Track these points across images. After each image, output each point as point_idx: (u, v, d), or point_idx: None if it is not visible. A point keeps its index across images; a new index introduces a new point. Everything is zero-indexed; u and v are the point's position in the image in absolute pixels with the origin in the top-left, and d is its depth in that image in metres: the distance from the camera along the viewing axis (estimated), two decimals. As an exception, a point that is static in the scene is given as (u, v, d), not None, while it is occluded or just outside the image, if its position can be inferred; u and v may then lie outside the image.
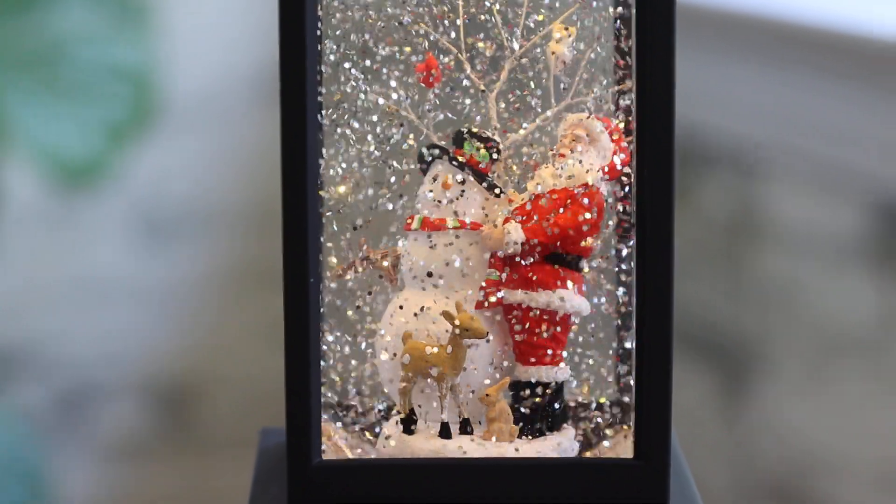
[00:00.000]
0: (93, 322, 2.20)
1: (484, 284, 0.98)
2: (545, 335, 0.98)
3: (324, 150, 1.00)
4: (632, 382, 0.96)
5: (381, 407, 1.05)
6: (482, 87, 0.99)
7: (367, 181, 1.01)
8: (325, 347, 1.02)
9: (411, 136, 1.00)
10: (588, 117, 0.99)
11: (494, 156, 0.99)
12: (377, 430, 1.04)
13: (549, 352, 0.98)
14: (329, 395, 1.04)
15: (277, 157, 0.93)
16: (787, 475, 1.86)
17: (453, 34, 0.99)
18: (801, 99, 1.82)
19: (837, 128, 1.79)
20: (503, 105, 1.00)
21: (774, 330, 1.88)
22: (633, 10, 0.93)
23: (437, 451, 0.96)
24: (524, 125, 1.00)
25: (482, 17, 0.99)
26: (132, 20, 1.98)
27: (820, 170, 1.81)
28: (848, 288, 1.78)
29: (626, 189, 1.00)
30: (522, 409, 0.99)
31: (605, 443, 1.03)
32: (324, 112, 0.98)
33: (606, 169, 0.99)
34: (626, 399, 1.05)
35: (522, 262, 0.98)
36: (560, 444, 0.98)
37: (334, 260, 1.02)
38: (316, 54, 0.93)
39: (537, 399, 0.99)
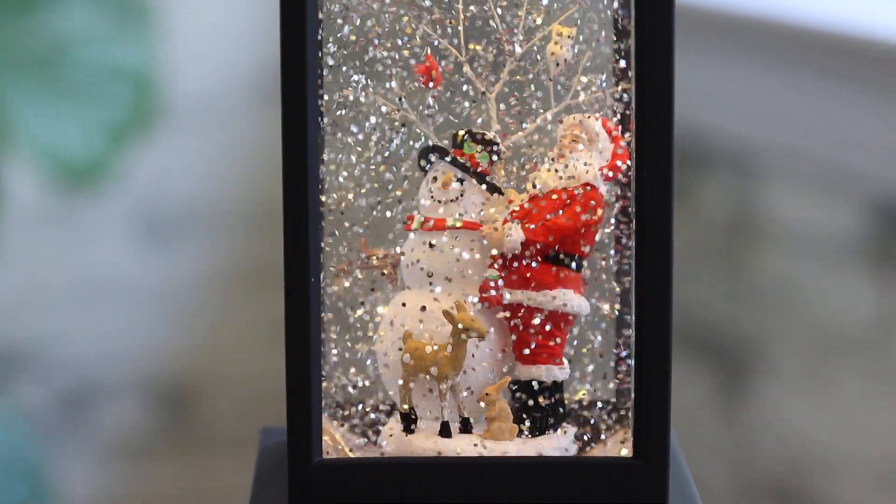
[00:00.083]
0: (94, 322, 2.20)
1: (483, 285, 0.98)
2: (544, 335, 0.98)
3: (326, 154, 1.00)
4: (631, 382, 0.96)
5: (381, 406, 1.06)
6: (483, 90, 0.99)
7: (370, 179, 1.01)
8: (325, 347, 1.02)
9: (411, 142, 1.00)
10: (587, 118, 0.99)
11: (495, 157, 1.00)
12: (378, 429, 1.04)
13: (549, 351, 0.99)
14: (330, 394, 1.04)
15: (278, 158, 0.93)
16: (786, 475, 1.86)
17: (455, 41, 0.99)
18: (800, 100, 1.83)
19: (836, 129, 1.79)
20: (503, 107, 1.00)
21: (774, 330, 1.88)
22: (633, 11, 0.93)
23: (437, 450, 0.96)
24: (524, 125, 1.00)
25: (479, 23, 0.99)
26: (134, 21, 1.98)
27: (819, 170, 1.82)
28: (847, 288, 1.78)
29: (626, 189, 1.00)
30: (522, 409, 0.99)
31: (605, 442, 1.03)
32: (324, 112, 0.99)
33: (609, 173, 0.99)
34: (626, 399, 1.05)
35: (522, 262, 0.98)
36: (559, 443, 0.98)
37: (335, 260, 1.02)
38: (316, 54, 0.93)
39: (537, 398, 0.99)
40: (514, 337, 0.99)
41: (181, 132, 2.17)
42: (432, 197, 0.99)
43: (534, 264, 0.98)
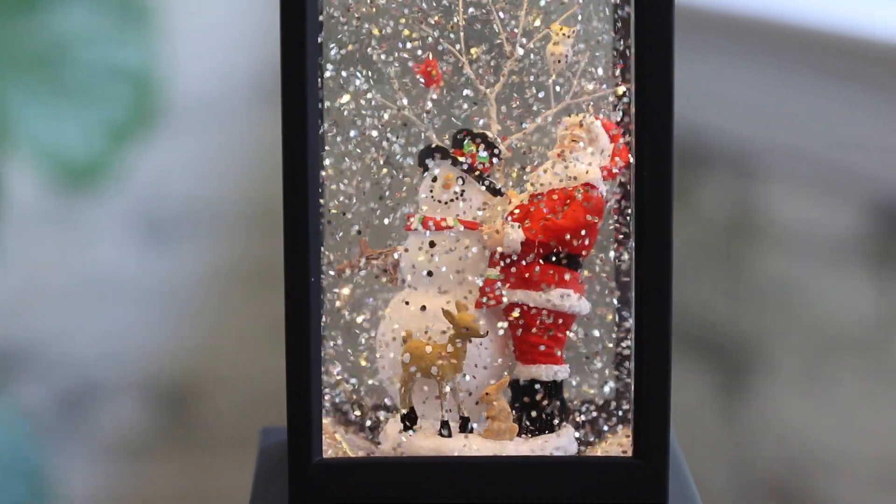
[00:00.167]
0: (94, 322, 2.20)
1: (483, 284, 0.99)
2: (544, 334, 0.99)
3: (326, 154, 1.00)
4: (631, 382, 0.97)
5: (381, 405, 1.06)
6: (484, 91, 1.00)
7: (370, 180, 1.01)
8: (325, 346, 1.02)
9: (409, 148, 1.00)
10: (587, 118, 0.99)
11: (495, 157, 1.00)
12: (378, 428, 1.04)
13: (549, 351, 0.99)
14: (330, 394, 1.05)
15: (278, 158, 0.93)
16: (786, 474, 1.86)
17: (457, 46, 0.99)
18: (800, 100, 1.83)
19: (836, 129, 1.79)
20: (504, 109, 1.00)
21: (773, 330, 1.88)
22: (633, 11, 0.93)
23: (438, 449, 0.97)
24: (524, 125, 1.00)
25: (478, 26, 0.99)
26: (134, 21, 1.98)
27: (819, 170, 1.82)
28: (847, 288, 1.78)
29: (626, 189, 1.00)
30: (522, 408, 0.99)
31: (605, 442, 1.03)
32: (324, 112, 0.99)
33: (609, 171, 0.99)
34: (626, 398, 1.05)
35: (522, 262, 0.98)
36: (559, 443, 0.98)
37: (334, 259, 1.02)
38: (317, 54, 0.93)
39: (537, 398, 0.99)
40: (513, 336, 0.99)
41: (181, 132, 2.17)
42: (432, 197, 0.99)
43: (534, 265, 0.98)
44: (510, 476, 0.95)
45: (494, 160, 1.00)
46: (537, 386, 0.99)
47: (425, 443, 0.97)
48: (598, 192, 0.98)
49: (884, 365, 1.75)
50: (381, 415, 1.05)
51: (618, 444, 1.01)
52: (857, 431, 1.78)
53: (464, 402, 0.98)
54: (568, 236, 0.97)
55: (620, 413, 1.05)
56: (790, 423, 1.86)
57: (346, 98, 0.99)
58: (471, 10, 0.99)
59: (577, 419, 1.04)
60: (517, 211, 0.99)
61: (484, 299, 0.98)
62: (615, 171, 0.99)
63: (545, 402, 0.99)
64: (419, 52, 0.99)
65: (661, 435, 0.94)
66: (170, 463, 2.25)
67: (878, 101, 1.73)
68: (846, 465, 1.79)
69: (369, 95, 0.99)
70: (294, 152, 0.93)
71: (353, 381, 1.05)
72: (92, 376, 2.22)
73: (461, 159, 0.99)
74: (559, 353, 0.99)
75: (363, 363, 1.04)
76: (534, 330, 0.98)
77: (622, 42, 1.00)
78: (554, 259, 0.98)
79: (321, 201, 0.97)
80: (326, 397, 1.03)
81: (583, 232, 0.98)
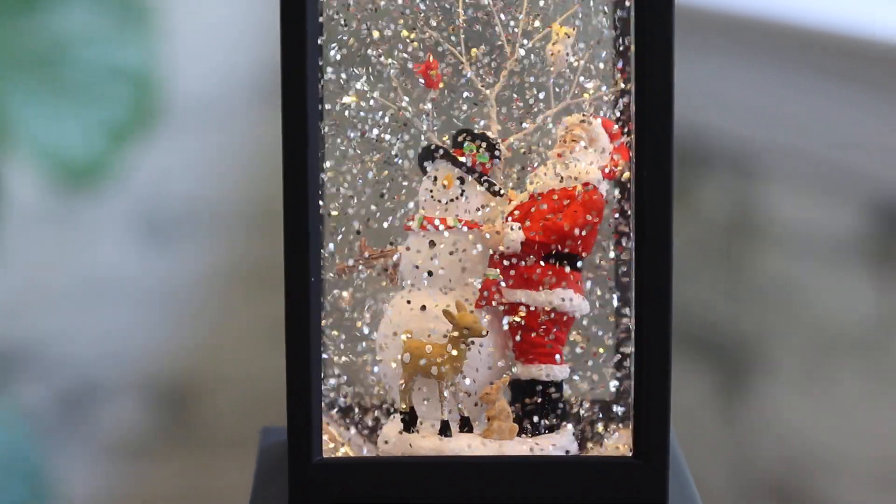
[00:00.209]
0: (94, 322, 2.21)
1: (483, 283, 0.99)
2: (544, 334, 0.99)
3: (326, 153, 1.01)
4: (631, 381, 0.97)
5: (381, 405, 1.06)
6: (484, 92, 1.00)
7: (369, 181, 1.01)
8: (325, 346, 1.02)
9: (409, 149, 1.00)
10: (587, 118, 0.99)
11: (496, 157, 1.00)
12: (378, 428, 1.04)
13: (549, 350, 0.99)
14: (331, 394, 1.05)
15: (278, 158, 0.93)
16: (786, 474, 1.86)
17: (456, 43, 0.99)
18: (800, 100, 1.83)
19: (836, 129, 1.79)
20: (504, 111, 1.00)
21: (773, 330, 1.88)
22: (633, 11, 0.93)
23: (437, 449, 0.97)
24: (524, 125, 1.01)
25: (478, 28, 0.99)
26: (134, 21, 1.98)
27: (819, 170, 1.82)
28: (847, 288, 1.78)
29: (625, 189, 1.01)
30: (522, 408, 0.99)
31: (605, 441, 1.03)
32: (324, 113, 0.99)
33: (607, 170, 0.99)
34: (626, 398, 1.05)
35: (522, 262, 0.98)
36: (559, 442, 0.99)
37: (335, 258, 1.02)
38: (317, 55, 0.93)
39: (537, 398, 0.99)
40: (513, 336, 0.99)
41: (181, 132, 2.18)
42: (432, 197, 1.00)
43: (535, 265, 0.98)
44: (510, 476, 0.95)
45: (494, 160, 1.00)
46: (540, 386, 0.99)
47: (425, 443, 0.97)
48: (598, 191, 0.98)
49: (884, 365, 1.75)
50: (382, 415, 1.05)
51: (618, 443, 1.01)
52: (857, 431, 1.78)
53: (464, 402, 0.98)
54: (567, 236, 0.97)
55: (621, 413, 1.05)
56: (790, 422, 1.86)
57: (346, 99, 0.99)
58: (470, 10, 0.99)
59: (577, 419, 1.04)
60: (517, 211, 0.99)
61: (485, 296, 0.98)
62: (615, 170, 0.99)
63: (545, 402, 0.99)
64: (420, 54, 0.99)
65: (661, 435, 0.94)
66: (170, 463, 2.25)
67: (878, 101, 1.73)
68: (846, 465, 1.79)
69: (369, 95, 0.99)
70: (294, 152, 0.93)
71: (353, 379, 1.05)
72: (92, 376, 2.22)
73: (461, 159, 0.99)
74: (559, 353, 0.99)
75: (363, 362, 1.04)
76: (534, 330, 0.99)
77: (622, 42, 1.00)
78: (554, 259, 0.98)
79: (321, 202, 0.97)
80: (326, 398, 1.03)
81: (583, 232, 0.98)
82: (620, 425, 1.04)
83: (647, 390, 0.94)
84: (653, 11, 0.92)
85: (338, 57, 0.99)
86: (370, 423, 1.05)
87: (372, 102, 0.99)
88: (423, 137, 1.00)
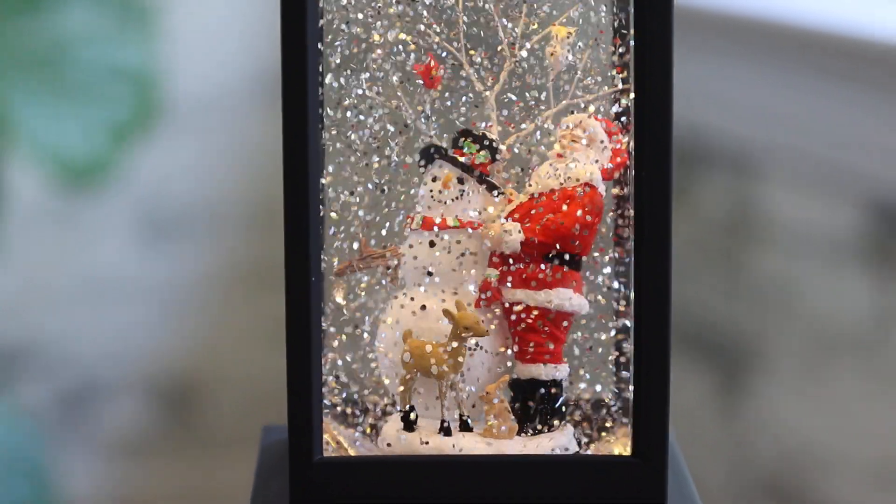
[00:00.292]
0: (95, 321, 2.21)
1: (482, 283, 0.99)
2: (544, 334, 0.99)
3: (327, 153, 1.01)
4: (630, 381, 0.97)
5: (381, 404, 1.06)
6: (485, 93, 1.00)
7: (369, 181, 1.01)
8: (326, 345, 1.03)
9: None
10: (586, 118, 0.99)
11: (496, 158, 1.00)
12: (378, 427, 1.04)
13: (548, 350, 0.99)
14: (331, 393, 1.05)
15: (279, 158, 0.93)
16: (784, 473, 1.87)
17: (456, 45, 0.99)
18: (799, 100, 1.83)
19: (835, 129, 1.80)
20: (505, 112, 1.00)
21: (772, 329, 1.89)
22: (632, 11, 0.94)
23: (438, 448, 0.97)
24: (522, 126, 1.01)
25: (476, 30, 0.99)
26: (135, 22, 1.98)
27: (818, 170, 1.82)
28: (845, 287, 1.78)
29: (624, 189, 1.01)
30: (522, 407, 0.99)
31: (604, 441, 1.03)
32: (325, 114, 0.99)
33: (608, 171, 0.99)
34: (625, 397, 1.05)
35: (522, 262, 0.99)
36: (559, 441, 0.99)
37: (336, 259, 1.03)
38: (317, 56, 0.93)
39: (536, 397, 0.99)
40: (513, 335, 1.00)
41: (182, 132, 2.18)
42: (432, 197, 1.00)
43: (533, 264, 0.98)
44: (510, 475, 0.95)
45: (494, 161, 1.00)
46: (540, 386, 0.99)
47: (425, 441, 0.97)
48: (598, 192, 0.99)
49: (882, 364, 1.75)
50: (382, 414, 1.05)
51: (617, 443, 1.02)
52: (855, 430, 1.78)
53: (464, 402, 0.98)
54: (567, 236, 0.98)
55: (620, 412, 1.05)
56: (788, 421, 1.86)
57: (346, 101, 1.00)
58: (470, 13, 0.99)
59: (577, 418, 1.04)
60: (517, 212, 0.99)
61: (484, 296, 0.99)
62: (613, 170, 1.00)
63: (545, 402, 1.00)
64: (422, 56, 0.99)
65: (660, 434, 0.94)
66: (171, 461, 2.25)
67: (877, 100, 1.73)
68: (844, 464, 1.79)
69: (370, 96, 1.00)
70: (295, 152, 0.93)
71: (354, 379, 1.05)
72: (93, 375, 2.23)
73: (461, 160, 0.99)
74: (559, 353, 1.00)
75: (364, 362, 1.04)
76: (533, 330, 0.99)
77: (622, 42, 1.00)
78: (553, 259, 0.99)
79: (321, 202, 0.97)
80: (327, 398, 1.04)
81: (583, 232, 0.98)
82: (620, 424, 1.04)
83: (647, 389, 0.94)
84: (652, 11, 0.92)
85: (337, 61, 0.99)
86: (371, 422, 1.06)
87: (372, 105, 1.00)
88: (420, 139, 1.00)
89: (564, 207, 0.98)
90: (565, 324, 1.00)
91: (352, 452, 1.01)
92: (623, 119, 1.00)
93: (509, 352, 1.00)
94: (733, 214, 1.92)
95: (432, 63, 0.99)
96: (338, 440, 1.02)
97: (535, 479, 0.95)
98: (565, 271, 0.99)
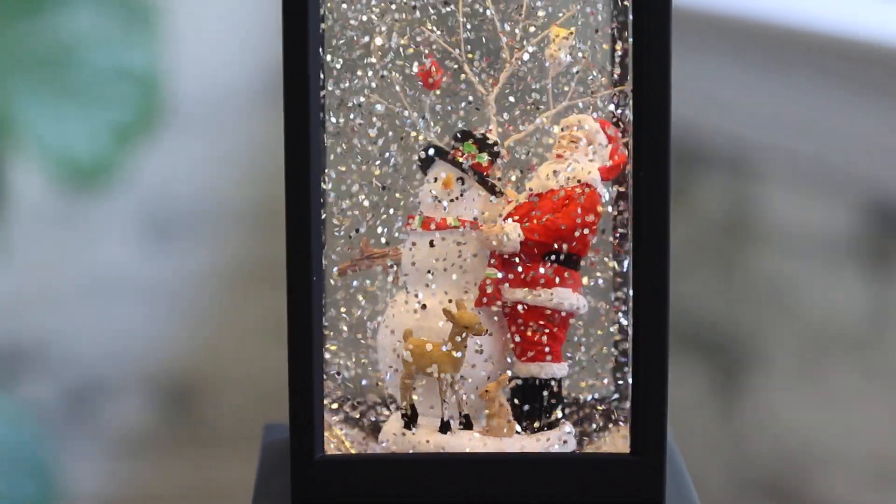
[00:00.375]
0: (99, 320, 2.21)
1: (483, 283, 1.00)
2: (543, 333, 0.99)
3: (328, 155, 1.01)
4: (629, 379, 0.97)
5: (382, 403, 1.06)
6: (485, 94, 1.00)
7: (370, 181, 1.02)
8: (327, 345, 1.03)
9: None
10: (585, 119, 1.00)
11: (495, 158, 1.01)
12: (379, 425, 1.05)
13: (548, 349, 1.00)
14: (333, 391, 1.05)
15: (281, 158, 0.94)
16: (781, 470, 1.87)
17: (456, 47, 1.00)
18: (795, 100, 1.83)
19: (830, 129, 1.80)
20: (505, 115, 1.01)
21: (768, 328, 1.89)
22: (630, 13, 0.94)
23: (438, 446, 0.97)
24: (521, 128, 1.01)
25: (473, 34, 1.00)
26: (139, 24, 1.98)
27: (814, 170, 1.82)
28: (841, 286, 1.78)
29: (623, 189, 1.01)
30: (521, 406, 1.00)
31: (603, 438, 1.04)
32: (326, 115, 1.00)
33: (607, 171, 1.00)
34: (623, 395, 1.06)
35: (521, 262, 0.99)
36: (558, 439, 0.99)
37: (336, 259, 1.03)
38: (318, 57, 0.94)
39: (536, 395, 1.00)
40: (513, 334, 1.00)
41: (186, 133, 2.18)
42: (433, 197, 1.00)
43: (532, 264, 0.99)
44: (509, 472, 0.95)
45: (494, 161, 1.00)
46: (539, 384, 1.00)
47: (426, 440, 0.98)
48: (597, 192, 0.99)
49: (877, 362, 1.76)
50: (383, 412, 1.06)
51: (616, 440, 1.02)
52: (851, 428, 1.79)
53: (464, 400, 0.99)
54: (566, 236, 0.98)
55: (618, 410, 1.06)
56: (786, 420, 1.87)
57: (349, 104, 1.00)
58: (468, 16, 1.00)
59: (576, 416, 1.05)
60: (517, 212, 1.00)
61: (485, 295, 0.99)
62: (613, 170, 1.00)
63: (544, 400, 1.00)
64: (422, 58, 1.00)
65: (658, 432, 0.94)
66: (174, 459, 2.26)
67: (873, 101, 1.74)
68: (840, 461, 1.79)
69: (371, 98, 1.00)
70: (296, 153, 0.93)
71: (355, 377, 1.05)
72: (97, 374, 2.23)
73: (461, 160, 1.00)
74: (558, 351, 1.00)
75: (365, 361, 1.05)
76: (533, 328, 0.99)
77: (620, 43, 1.00)
78: (553, 258, 0.99)
79: (322, 202, 0.98)
80: (328, 397, 1.04)
81: (583, 231, 0.98)
82: (618, 423, 1.04)
83: (645, 387, 0.94)
84: (650, 13, 0.92)
85: (338, 66, 1.00)
86: (371, 420, 1.06)
87: (375, 106, 1.00)
88: (419, 139, 1.01)
89: (564, 208, 0.98)
90: (564, 322, 1.00)
91: (353, 450, 1.01)
92: (622, 119, 1.00)
93: (509, 350, 1.00)
94: (731, 214, 1.92)
95: (434, 69, 1.00)
96: (339, 438, 1.02)
97: (534, 476, 0.95)
98: (564, 270, 0.99)
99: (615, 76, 1.00)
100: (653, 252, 0.94)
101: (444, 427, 0.98)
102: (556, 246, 0.98)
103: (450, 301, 0.99)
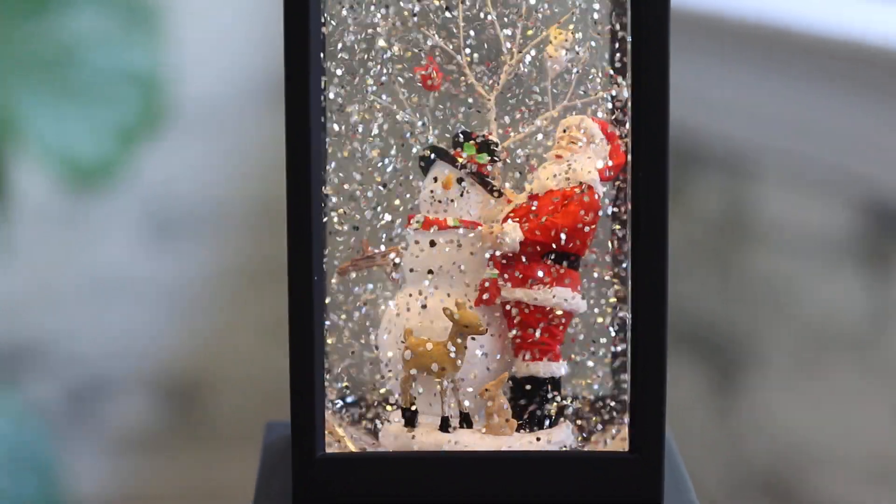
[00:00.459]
0: (102, 320, 2.22)
1: (483, 283, 1.00)
2: (543, 332, 1.00)
3: (329, 156, 1.02)
4: (627, 377, 0.98)
5: (382, 401, 1.07)
6: (487, 97, 1.01)
7: (371, 182, 1.02)
8: (328, 343, 1.03)
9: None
10: (584, 119, 1.00)
11: (495, 158, 1.01)
12: (379, 424, 1.05)
13: (547, 348, 1.00)
14: (334, 390, 1.06)
15: (283, 159, 0.94)
16: (778, 469, 1.87)
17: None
18: (792, 101, 1.83)
19: (827, 129, 1.80)
20: (507, 119, 1.01)
21: (765, 327, 1.89)
22: (629, 14, 0.94)
23: (438, 444, 0.98)
24: (521, 129, 1.02)
25: (472, 34, 1.00)
26: (142, 25, 1.99)
27: (810, 170, 1.82)
28: (838, 286, 1.78)
29: (622, 189, 1.02)
30: (520, 404, 1.00)
31: (601, 437, 1.04)
32: (327, 116, 1.00)
33: (608, 172, 1.00)
34: (622, 394, 1.06)
35: (521, 261, 1.00)
36: (557, 438, 0.99)
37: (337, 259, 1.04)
38: (319, 59, 0.94)
39: (535, 394, 1.00)
40: (512, 334, 1.01)
41: (189, 134, 2.18)
42: (433, 197, 1.01)
43: (532, 263, 0.99)
44: (509, 471, 0.95)
45: (494, 161, 1.01)
46: (539, 383, 1.00)
47: (426, 438, 0.98)
48: (596, 192, 0.99)
49: (874, 362, 1.76)
50: (383, 411, 1.06)
51: (614, 438, 1.02)
52: (849, 427, 1.79)
53: (464, 399, 0.99)
54: (566, 236, 0.98)
55: (617, 409, 1.06)
56: (783, 419, 1.87)
57: (354, 118, 1.01)
58: (467, 12, 1.00)
59: (575, 415, 1.05)
60: (516, 211, 1.00)
61: (484, 295, 1.00)
62: (612, 170, 1.01)
63: (543, 398, 1.00)
64: (422, 60, 1.00)
65: (656, 430, 0.94)
66: (176, 458, 2.26)
67: (870, 101, 1.73)
68: (837, 460, 1.80)
69: (373, 99, 1.01)
70: (297, 153, 0.93)
71: (355, 376, 1.06)
72: (100, 373, 2.23)
73: (461, 161, 1.00)
74: (557, 350, 1.01)
75: (365, 360, 1.05)
76: (532, 328, 1.00)
77: (618, 45, 1.01)
78: (552, 258, 1.00)
79: (323, 203, 0.98)
80: (329, 396, 1.04)
81: (583, 230, 0.99)
82: (617, 421, 1.05)
83: (643, 386, 0.94)
84: (649, 14, 0.93)
85: (338, 73, 1.00)
86: (372, 419, 1.06)
87: (373, 112, 1.01)
88: (418, 140, 1.01)
89: (563, 208, 0.99)
90: (563, 322, 1.00)
91: (354, 449, 1.02)
92: (620, 120, 1.00)
93: (508, 349, 1.01)
94: (728, 214, 1.92)
95: (434, 73, 1.00)
96: (340, 437, 1.03)
97: (533, 475, 0.95)
98: (563, 271, 1.00)
99: (614, 77, 1.00)
100: (651, 251, 0.94)
101: (444, 426, 0.98)
102: (554, 246, 0.99)
103: (450, 300, 0.99)
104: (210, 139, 2.21)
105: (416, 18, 0.99)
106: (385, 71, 1.00)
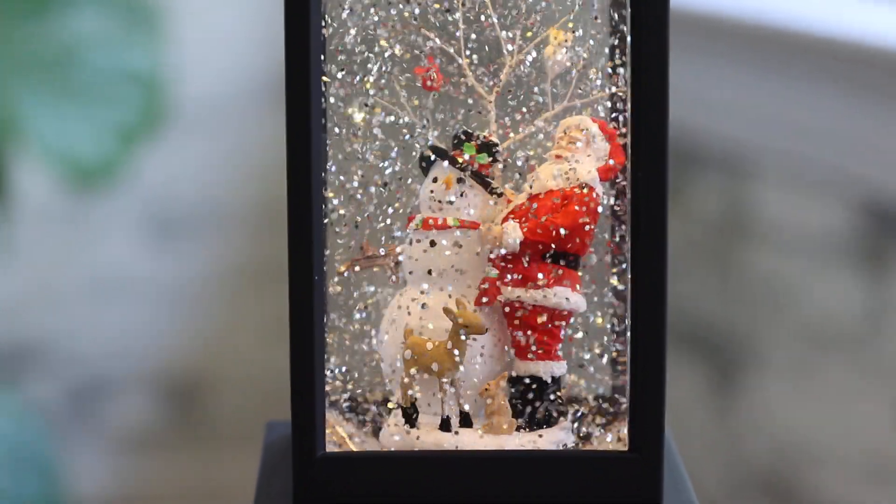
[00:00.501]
0: (103, 319, 2.22)
1: (483, 283, 1.00)
2: (543, 331, 1.00)
3: (330, 158, 1.02)
4: (627, 377, 0.98)
5: (383, 401, 1.07)
6: (488, 98, 1.01)
7: (373, 181, 1.03)
8: (329, 343, 1.04)
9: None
10: (584, 120, 1.01)
11: (495, 159, 1.01)
12: (380, 423, 1.05)
13: (547, 347, 1.00)
14: (335, 390, 1.06)
15: (284, 159, 0.95)
16: (777, 468, 1.87)
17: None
18: (790, 101, 1.83)
19: (826, 130, 1.80)
20: (508, 120, 1.01)
21: (764, 326, 1.89)
22: (629, 14, 0.94)
23: (438, 443, 0.98)
24: (520, 130, 1.02)
25: (472, 36, 1.00)
26: (143, 25, 1.99)
27: (808, 170, 1.82)
28: (836, 285, 1.79)
29: (621, 189, 1.02)
30: (520, 404, 1.01)
31: (601, 436, 1.04)
32: (328, 117, 1.00)
33: (605, 172, 1.00)
34: (621, 393, 1.06)
35: (521, 261, 1.00)
36: (557, 437, 0.99)
37: (337, 259, 1.04)
38: (320, 60, 0.94)
39: (535, 393, 1.01)
40: (512, 334, 1.01)
41: (189, 134, 2.19)
42: (433, 197, 1.01)
43: (532, 263, 1.00)
44: (509, 470, 0.96)
45: (494, 162, 1.01)
46: (538, 382, 1.00)
47: (426, 438, 0.98)
48: (595, 192, 1.00)
49: (871, 360, 1.76)
50: (384, 410, 1.06)
51: (614, 437, 1.03)
52: (846, 425, 1.79)
53: (464, 398, 1.00)
54: (565, 236, 0.99)
55: (616, 408, 1.06)
56: (782, 418, 1.87)
57: (357, 117, 1.01)
58: (470, 24, 1.00)
59: (574, 414, 1.05)
60: (516, 211, 1.00)
61: (485, 295, 1.00)
62: (612, 170, 1.01)
63: (543, 398, 1.01)
64: (422, 61, 1.00)
65: (656, 429, 0.94)
66: (177, 457, 2.26)
67: (869, 102, 1.74)
68: (836, 459, 1.80)
69: (374, 100, 1.01)
70: (298, 154, 0.94)
71: (356, 376, 1.06)
72: (100, 373, 2.24)
73: (461, 161, 1.00)
74: (557, 350, 1.01)
75: (365, 359, 1.05)
76: (532, 327, 1.00)
77: (618, 45, 1.01)
78: (552, 258, 1.00)
79: (324, 203, 0.98)
80: (329, 395, 1.04)
81: (583, 230, 0.99)
82: (616, 420, 1.05)
83: (643, 385, 0.94)
84: (648, 14, 0.93)
85: (339, 75, 1.00)
86: (372, 418, 1.07)
87: (373, 112, 1.01)
88: (419, 141, 1.02)
89: (563, 208, 0.99)
90: (563, 322, 1.01)
91: (354, 448, 1.02)
92: (620, 120, 1.01)
93: (508, 349, 1.01)
94: (727, 214, 1.92)
95: (434, 74, 1.00)
96: (340, 436, 1.03)
97: (533, 474, 0.96)
98: (563, 270, 1.00)
99: (613, 77, 1.01)
100: (651, 251, 0.94)
101: (445, 425, 0.99)
102: (554, 246, 0.99)
103: (451, 296, 0.99)
104: (210, 139, 2.21)
105: (416, 21, 0.99)
106: (384, 69, 1.00)
